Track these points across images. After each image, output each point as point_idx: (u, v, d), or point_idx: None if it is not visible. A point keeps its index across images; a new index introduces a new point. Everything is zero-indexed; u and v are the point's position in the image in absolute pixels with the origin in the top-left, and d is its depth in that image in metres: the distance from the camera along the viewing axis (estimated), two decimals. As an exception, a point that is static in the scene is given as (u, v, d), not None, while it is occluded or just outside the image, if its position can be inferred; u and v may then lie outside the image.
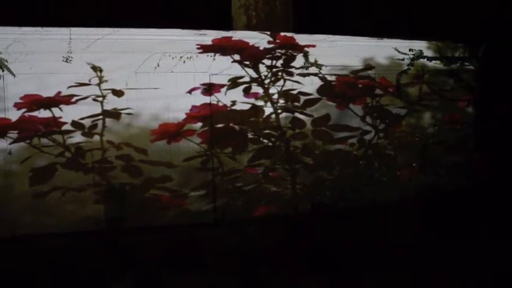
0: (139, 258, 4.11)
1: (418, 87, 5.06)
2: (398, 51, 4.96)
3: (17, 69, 4.03)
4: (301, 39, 4.72)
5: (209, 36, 4.51)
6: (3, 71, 3.97)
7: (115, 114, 4.35)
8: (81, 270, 3.85)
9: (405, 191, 4.93)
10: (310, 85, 4.77)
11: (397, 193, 4.92)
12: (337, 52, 4.81)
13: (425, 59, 5.02)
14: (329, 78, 4.80)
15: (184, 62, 4.45)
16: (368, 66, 4.92)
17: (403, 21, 5.10)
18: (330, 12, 5.01)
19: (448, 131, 5.16)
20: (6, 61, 3.98)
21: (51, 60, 4.10)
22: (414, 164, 5.04)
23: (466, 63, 5.13)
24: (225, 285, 4.21)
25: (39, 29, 4.08)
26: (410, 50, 4.97)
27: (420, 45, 5.04)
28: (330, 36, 4.79)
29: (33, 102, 4.14)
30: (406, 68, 4.96)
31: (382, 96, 4.94)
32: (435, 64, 5.07)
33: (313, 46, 4.69)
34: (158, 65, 4.37)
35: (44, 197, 4.13)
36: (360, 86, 4.88)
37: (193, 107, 4.53)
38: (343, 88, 4.83)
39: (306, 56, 4.70)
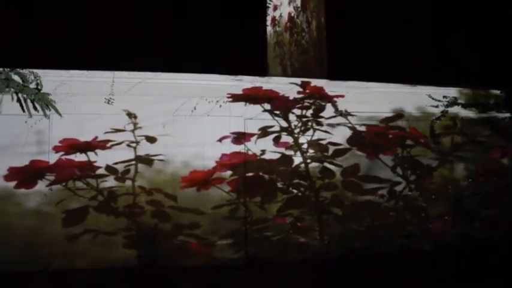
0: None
1: (451, 137, 5.48)
2: (432, 98, 5.44)
3: (62, 109, 4.73)
4: (334, 85, 5.30)
5: (244, 82, 5.15)
6: (49, 110, 4.62)
7: (147, 160, 4.91)
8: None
9: (438, 244, 5.25)
10: (340, 135, 5.26)
11: (429, 245, 5.25)
12: (369, 99, 5.35)
13: (459, 106, 5.44)
14: (359, 127, 5.29)
15: (220, 106, 5.04)
16: (399, 115, 5.39)
17: (437, 68, 5.57)
18: (364, 59, 5.56)
19: (482, 183, 5.49)
20: (54, 102, 4.64)
21: (94, 102, 4.77)
22: (447, 217, 5.39)
23: (503, 111, 5.49)
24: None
25: (85, 72, 4.80)
26: (444, 97, 5.43)
27: (454, 92, 5.48)
28: (363, 82, 5.35)
29: (70, 146, 4.77)
30: (439, 115, 5.40)
31: (413, 147, 5.39)
32: (469, 112, 5.47)
33: (342, 96, 5.27)
34: (195, 109, 4.95)
35: (76, 238, 4.63)
36: (391, 136, 5.36)
37: (224, 155, 5.07)
38: (373, 138, 5.31)
39: (334, 105, 5.23)
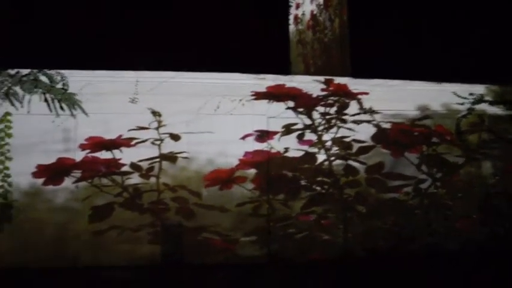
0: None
1: (478, 135, 5.44)
2: (458, 96, 5.41)
3: (88, 108, 4.88)
4: (358, 84, 5.31)
5: (267, 80, 5.20)
6: (75, 110, 4.77)
7: (171, 157, 5.01)
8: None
9: (464, 243, 5.21)
10: (364, 132, 5.28)
11: (455, 245, 5.21)
12: (394, 97, 5.35)
13: (487, 104, 5.40)
14: (384, 125, 5.29)
15: (243, 104, 5.11)
16: (425, 113, 5.37)
17: (463, 65, 5.53)
18: (387, 57, 5.56)
19: (510, 181, 5.43)
20: (80, 101, 4.79)
21: (119, 101, 4.90)
22: (474, 216, 5.34)
23: (531, 108, 5.44)
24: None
25: (109, 72, 4.93)
26: (470, 94, 5.39)
27: (481, 89, 5.43)
28: (388, 80, 5.34)
29: (96, 144, 4.89)
30: (466, 112, 5.37)
31: (439, 144, 5.37)
32: (497, 109, 5.43)
33: (367, 93, 5.27)
34: (218, 108, 5.03)
35: (102, 234, 4.76)
36: (416, 133, 5.35)
37: (247, 153, 5.14)
38: (398, 135, 5.31)
39: (359, 103, 5.25)
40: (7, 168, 4.72)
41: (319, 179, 5.21)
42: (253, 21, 5.57)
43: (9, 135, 4.76)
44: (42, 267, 4.50)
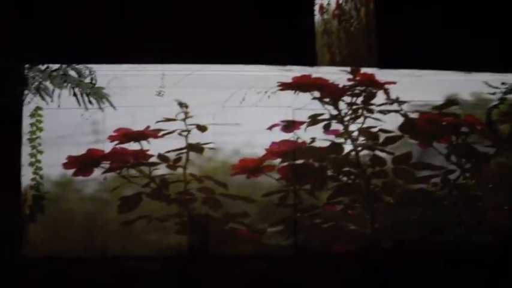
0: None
1: (509, 124, 5.34)
2: (489, 85, 5.31)
3: (115, 102, 5.01)
4: (385, 74, 5.28)
5: (293, 72, 5.22)
6: (103, 103, 4.90)
7: (198, 148, 5.10)
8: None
9: (495, 235, 5.15)
10: (392, 122, 5.24)
11: (485, 237, 5.16)
12: (421, 87, 5.29)
13: None
14: (412, 115, 5.24)
15: (269, 96, 5.15)
16: (453, 102, 5.30)
17: (494, 54, 5.42)
18: (415, 46, 5.49)
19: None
20: (108, 95, 4.92)
21: (145, 95, 5.00)
22: (505, 207, 5.26)
23: None
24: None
25: (135, 65, 5.04)
26: (502, 83, 5.30)
27: (512, 78, 5.33)
28: (416, 70, 5.28)
29: (124, 135, 5.02)
30: (497, 102, 5.28)
31: (469, 134, 5.29)
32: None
33: (394, 83, 5.23)
34: (244, 100, 5.08)
35: (131, 224, 4.91)
36: (445, 123, 5.28)
37: (273, 143, 5.18)
38: (426, 125, 5.25)
39: (386, 92, 5.21)
40: (39, 161, 4.89)
41: (345, 169, 5.21)
42: (278, 12, 5.57)
43: (41, 129, 4.93)
44: (73, 257, 4.68)
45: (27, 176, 4.88)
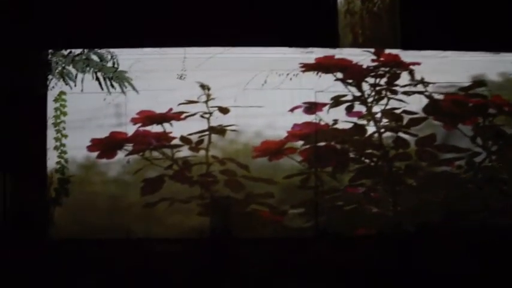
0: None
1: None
2: None
3: (137, 86, 5.07)
4: (409, 55, 5.20)
5: (315, 54, 5.19)
6: (126, 87, 4.97)
7: (220, 130, 5.14)
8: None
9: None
10: (416, 104, 5.17)
11: (510, 221, 5.10)
12: (447, 68, 5.21)
13: None
14: (436, 96, 5.17)
15: (290, 79, 5.14)
16: (481, 83, 5.20)
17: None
18: (440, 27, 5.38)
19: None
20: (131, 79, 4.99)
21: (167, 78, 5.05)
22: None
23: None
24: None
25: (157, 49, 5.07)
26: None
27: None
28: (440, 51, 5.19)
29: (147, 117, 5.09)
30: None
31: (496, 116, 5.19)
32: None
33: (418, 64, 5.15)
34: (266, 82, 5.09)
35: (154, 206, 5.01)
36: (471, 104, 5.19)
37: (295, 125, 5.18)
38: (452, 107, 5.17)
39: (411, 73, 5.14)
40: (63, 145, 5.02)
41: (368, 151, 5.21)
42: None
43: (65, 114, 5.04)
44: (97, 239, 4.82)
45: (52, 160, 5.01)
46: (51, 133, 5.01)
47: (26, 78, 4.96)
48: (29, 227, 4.88)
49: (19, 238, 4.81)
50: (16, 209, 5.04)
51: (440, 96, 5.20)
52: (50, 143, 5.01)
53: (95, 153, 5.05)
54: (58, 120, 5.02)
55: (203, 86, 5.13)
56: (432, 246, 5.04)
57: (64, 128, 5.02)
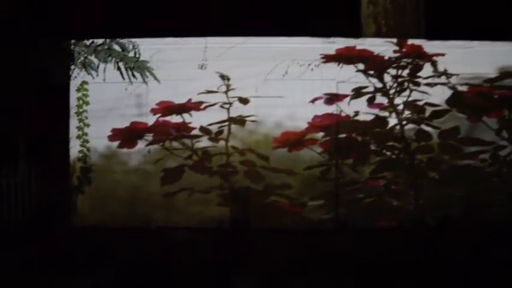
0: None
1: None
2: None
3: (158, 75, 5.12)
4: (433, 46, 5.13)
5: (338, 44, 5.16)
6: (147, 77, 5.04)
7: (240, 121, 5.17)
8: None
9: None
10: (439, 95, 5.11)
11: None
12: (472, 59, 5.11)
13: None
14: (460, 88, 5.09)
15: (312, 69, 5.13)
16: (508, 74, 5.09)
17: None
18: (466, 16, 5.27)
19: None
20: (152, 69, 5.06)
21: (188, 68, 5.09)
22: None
23: None
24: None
25: (178, 39, 5.11)
26: None
27: None
28: (466, 42, 5.10)
29: (166, 108, 5.14)
30: None
31: (523, 109, 5.11)
32: None
33: (442, 55, 5.08)
34: (286, 73, 5.09)
35: (174, 196, 5.07)
36: (496, 96, 5.10)
37: (316, 116, 5.17)
38: (476, 99, 5.09)
39: (434, 65, 5.07)
40: (86, 134, 5.12)
41: (389, 143, 5.17)
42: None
43: (87, 103, 5.13)
44: (118, 227, 4.92)
45: (75, 148, 5.12)
46: (73, 122, 5.12)
47: (49, 68, 5.07)
48: (52, 214, 5.02)
49: (42, 225, 4.95)
50: (40, 196, 5.17)
51: (464, 88, 5.11)
52: (73, 132, 5.12)
53: (116, 143, 5.15)
54: (80, 110, 5.12)
55: (223, 77, 5.15)
56: (453, 240, 4.99)
57: (86, 118, 5.12)
